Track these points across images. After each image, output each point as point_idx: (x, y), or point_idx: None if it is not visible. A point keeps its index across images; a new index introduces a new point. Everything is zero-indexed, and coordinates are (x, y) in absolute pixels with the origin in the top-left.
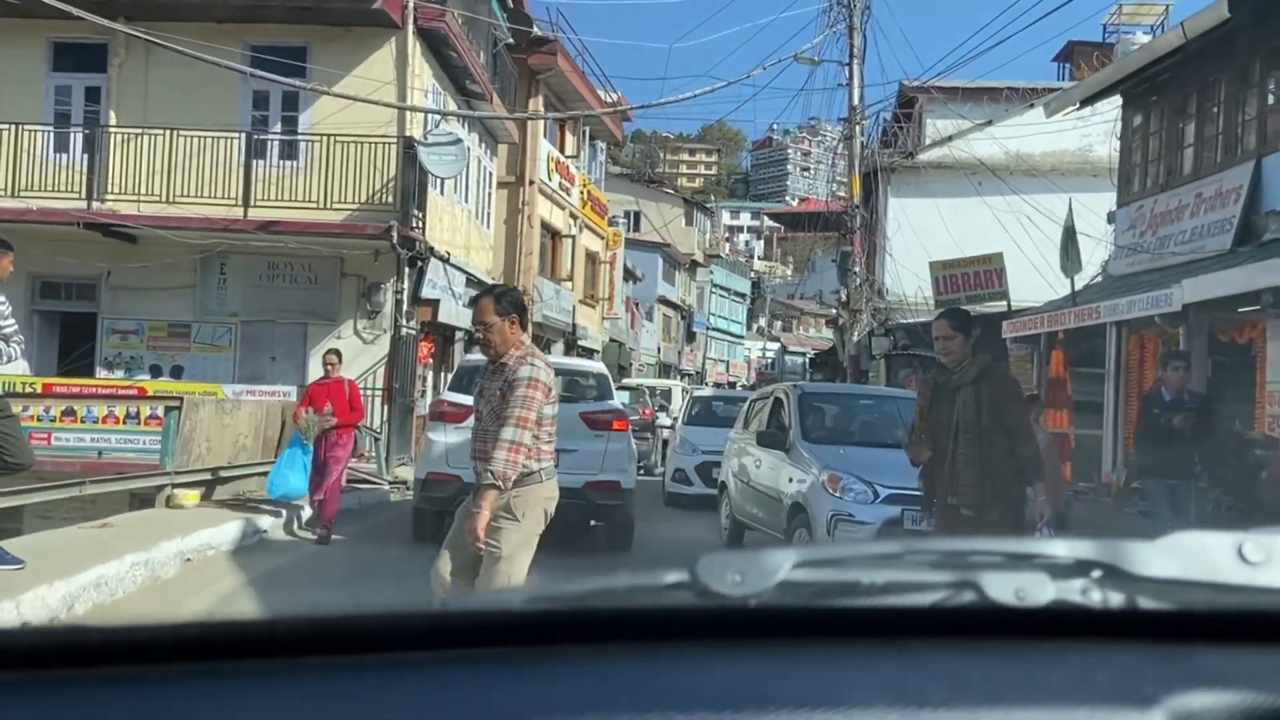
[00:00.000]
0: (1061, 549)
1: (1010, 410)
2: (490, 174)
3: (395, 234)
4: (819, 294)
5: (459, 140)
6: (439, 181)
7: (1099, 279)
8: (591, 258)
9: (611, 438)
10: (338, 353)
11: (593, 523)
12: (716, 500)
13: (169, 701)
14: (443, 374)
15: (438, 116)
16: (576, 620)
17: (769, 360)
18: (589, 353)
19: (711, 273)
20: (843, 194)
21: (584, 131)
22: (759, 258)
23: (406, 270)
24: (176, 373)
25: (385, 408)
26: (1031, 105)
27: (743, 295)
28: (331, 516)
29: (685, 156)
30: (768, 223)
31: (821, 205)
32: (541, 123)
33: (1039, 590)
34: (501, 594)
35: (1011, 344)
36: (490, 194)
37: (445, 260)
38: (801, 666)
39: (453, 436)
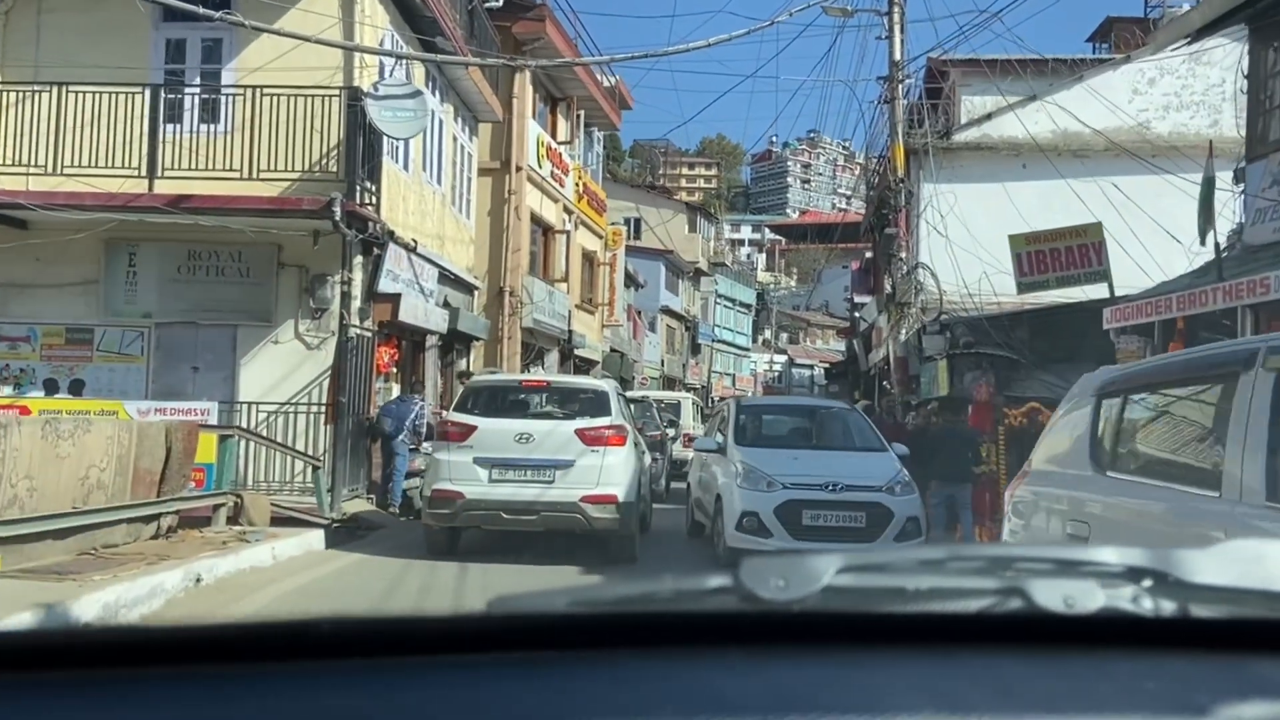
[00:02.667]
0: (1112, 556)
1: None
2: (470, 157)
3: (339, 209)
4: (825, 305)
5: (419, 93)
6: (397, 149)
7: (1232, 251)
8: (589, 258)
9: (608, 452)
10: None
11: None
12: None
13: (202, 704)
14: (412, 386)
15: (392, 63)
16: (620, 624)
17: (776, 374)
18: (588, 363)
19: (716, 282)
20: (851, 197)
21: (578, 117)
22: (762, 269)
23: (359, 259)
24: (76, 388)
25: (328, 428)
26: (1080, 78)
27: (748, 306)
28: None
29: (684, 170)
30: (769, 235)
31: (825, 217)
32: (529, 101)
33: (1088, 598)
34: (545, 596)
35: (1117, 337)
36: (470, 179)
37: (410, 249)
38: (846, 672)
39: (456, 455)
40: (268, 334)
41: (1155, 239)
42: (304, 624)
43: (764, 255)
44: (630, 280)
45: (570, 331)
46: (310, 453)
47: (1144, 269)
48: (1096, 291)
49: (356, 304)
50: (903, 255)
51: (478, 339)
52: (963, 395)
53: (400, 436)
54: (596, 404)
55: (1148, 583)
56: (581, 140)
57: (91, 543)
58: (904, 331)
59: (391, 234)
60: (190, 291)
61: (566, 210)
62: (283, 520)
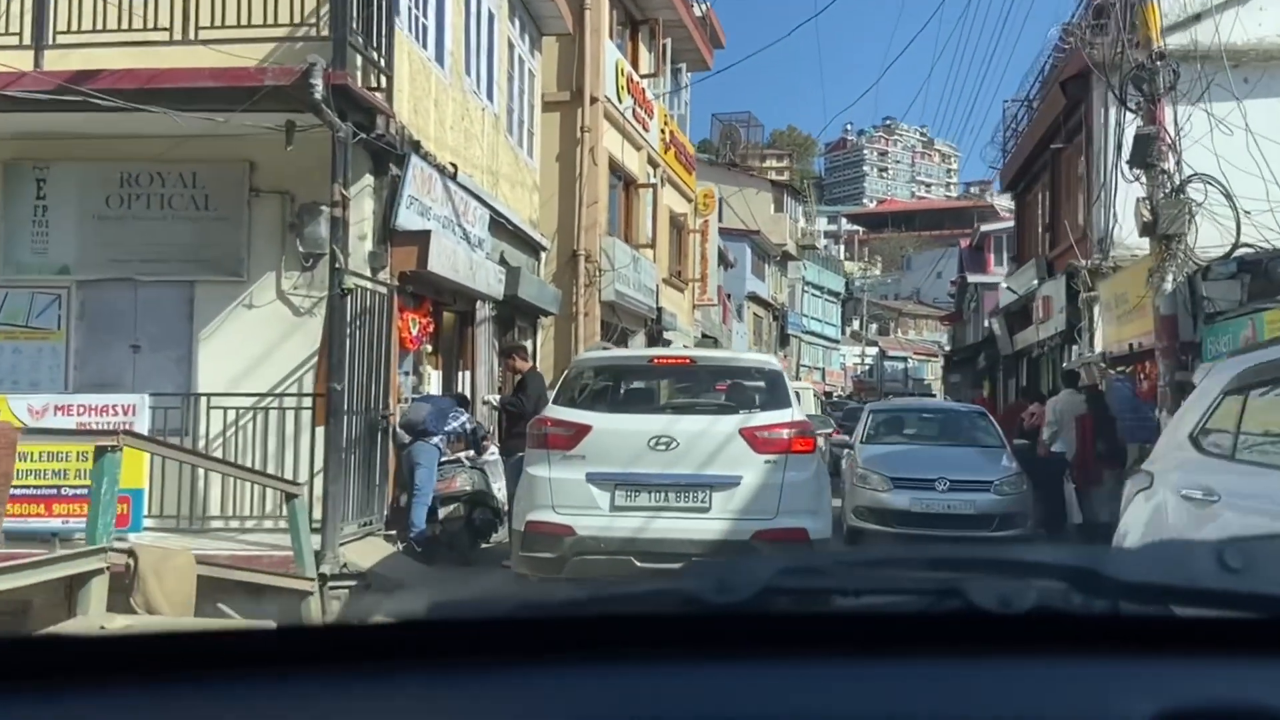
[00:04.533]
0: (1046, 556)
1: None
2: (531, 76)
3: (319, 82)
4: (915, 293)
5: None
6: (424, 27)
7: None
8: (677, 224)
9: (792, 462)
10: None
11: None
12: None
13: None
14: (461, 372)
15: None
16: (563, 626)
17: (867, 367)
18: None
19: (804, 268)
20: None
21: (663, 47)
22: (845, 258)
23: (368, 179)
24: None
25: (320, 429)
26: None
27: (836, 295)
28: None
29: (755, 164)
30: (845, 226)
31: (905, 205)
32: (605, 15)
33: (1022, 597)
34: (489, 603)
35: None
36: (532, 107)
37: (449, 175)
38: (785, 673)
39: (560, 469)
40: (238, 294)
41: None
42: (250, 632)
43: (841, 246)
44: (721, 258)
45: (659, 309)
46: (294, 471)
47: None
48: None
49: (367, 245)
50: (1166, 165)
51: (547, 313)
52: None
53: (432, 440)
54: (769, 390)
55: (1080, 581)
56: (667, 78)
57: None
58: (1170, 278)
59: (417, 145)
60: (125, 234)
61: (651, 162)
62: (227, 589)
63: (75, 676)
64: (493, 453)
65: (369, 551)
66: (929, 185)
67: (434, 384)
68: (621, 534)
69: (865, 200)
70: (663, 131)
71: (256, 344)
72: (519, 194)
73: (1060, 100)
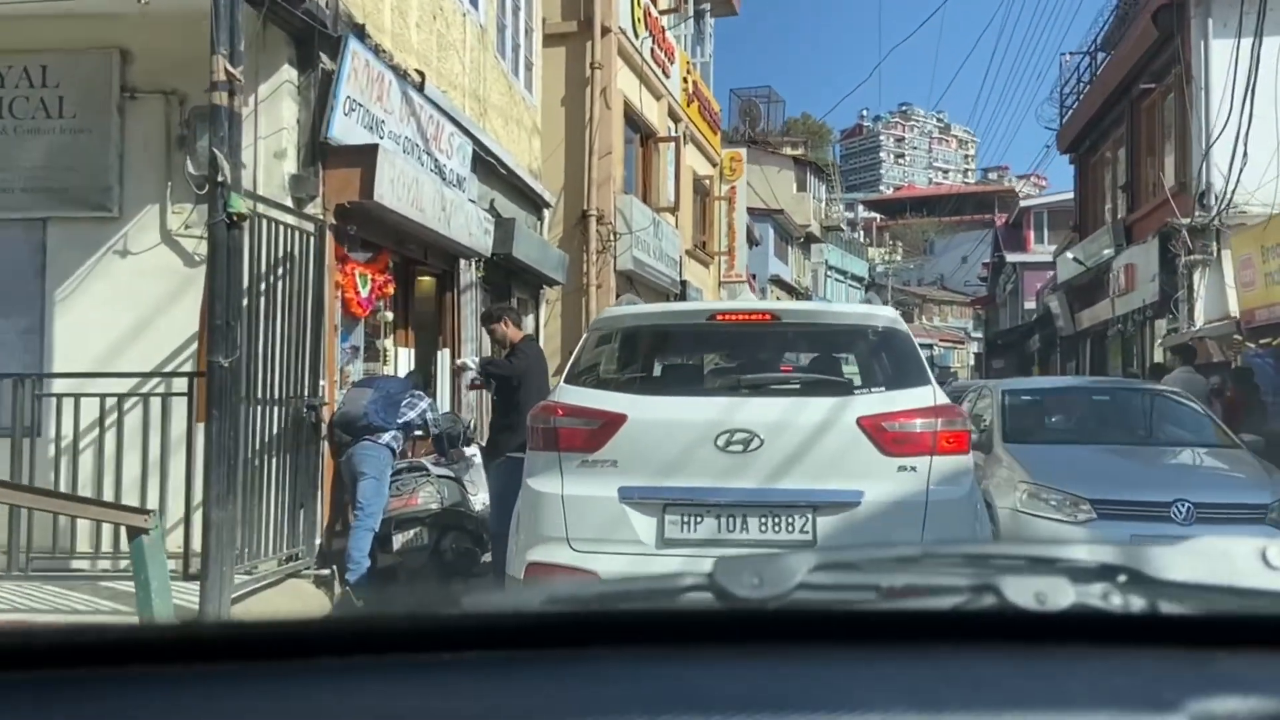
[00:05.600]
0: (1083, 553)
1: None
2: None
3: None
4: (940, 279)
5: None
6: None
7: None
8: (701, 189)
9: (938, 471)
10: None
11: None
12: None
13: (179, 701)
14: (440, 350)
15: None
16: (595, 623)
17: None
18: None
19: (826, 251)
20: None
21: None
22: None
23: (287, 69)
24: None
25: (201, 427)
26: None
27: (860, 280)
28: None
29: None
30: (863, 213)
31: (922, 191)
32: None
33: (1059, 594)
34: (520, 595)
35: None
36: (530, 31)
37: (413, 83)
38: (819, 670)
39: (581, 483)
40: (107, 236)
41: None
42: (284, 625)
43: (860, 233)
44: (748, 234)
45: (684, 283)
46: (185, 485)
47: None
48: None
49: (286, 166)
50: None
51: (552, 281)
52: None
53: (381, 439)
54: (895, 359)
55: (1118, 579)
56: (692, 25)
57: None
58: None
59: (360, 29)
60: None
61: (672, 116)
62: None
63: None
64: (474, 453)
65: (289, 601)
66: (946, 171)
67: (402, 366)
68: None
69: (882, 187)
70: (685, 80)
71: (134, 306)
72: (515, 134)
73: (1149, 35)
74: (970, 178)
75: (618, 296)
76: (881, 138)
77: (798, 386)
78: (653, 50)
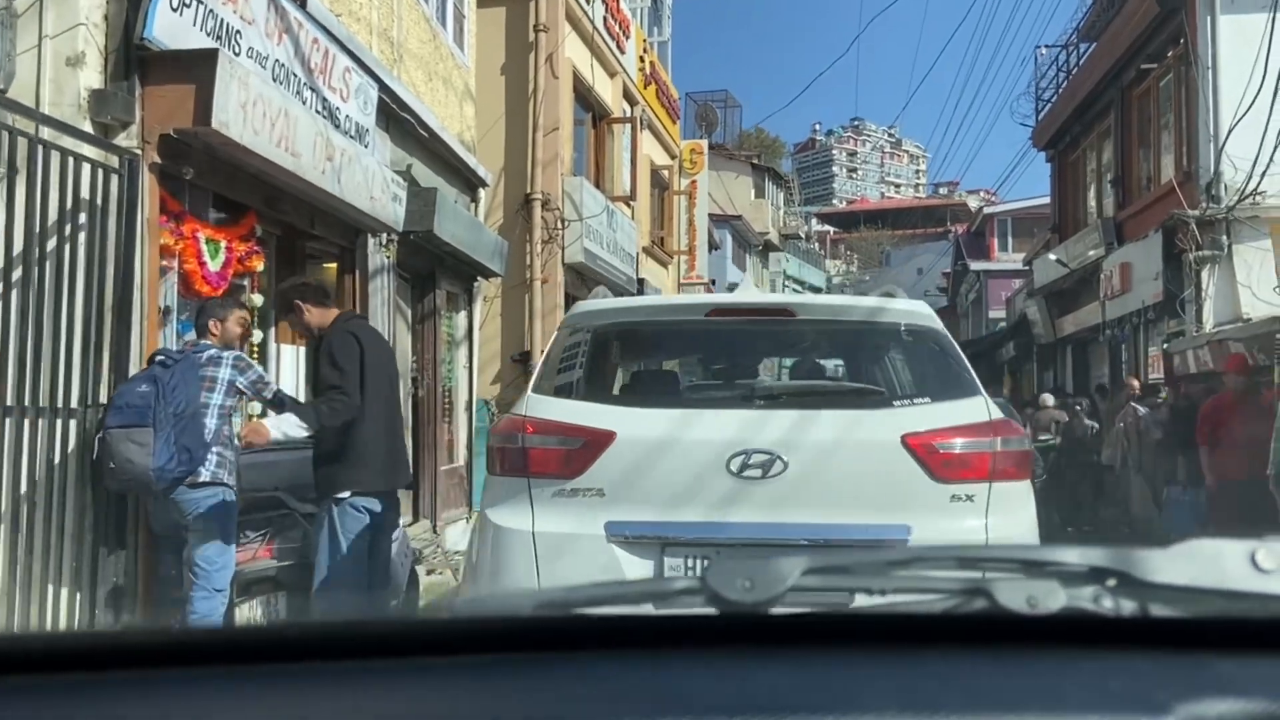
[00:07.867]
0: (1074, 556)
1: None
2: None
3: None
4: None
5: None
6: None
7: None
8: (660, 181)
9: (997, 500)
10: None
11: None
12: None
13: (189, 702)
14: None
15: None
16: (585, 627)
17: None
18: None
19: (785, 260)
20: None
21: None
22: (822, 255)
23: None
24: None
25: None
26: None
27: (818, 290)
28: None
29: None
30: (816, 226)
31: (876, 204)
32: None
33: (1051, 597)
34: (512, 599)
35: None
36: None
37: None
38: (811, 674)
39: (557, 518)
40: None
41: None
42: (270, 629)
43: (815, 244)
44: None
45: (640, 280)
46: None
47: None
48: None
49: (83, 77)
50: None
51: (488, 272)
52: None
53: (201, 474)
54: (939, 365)
55: (1109, 583)
56: (647, 5)
57: None
58: None
59: None
60: None
61: (628, 98)
62: None
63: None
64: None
65: None
66: (898, 185)
67: (286, 368)
68: None
69: (835, 201)
70: (641, 60)
71: None
72: (442, 94)
73: (1149, 12)
74: (921, 192)
75: (567, 301)
76: (834, 152)
77: (825, 397)
78: (605, 19)
